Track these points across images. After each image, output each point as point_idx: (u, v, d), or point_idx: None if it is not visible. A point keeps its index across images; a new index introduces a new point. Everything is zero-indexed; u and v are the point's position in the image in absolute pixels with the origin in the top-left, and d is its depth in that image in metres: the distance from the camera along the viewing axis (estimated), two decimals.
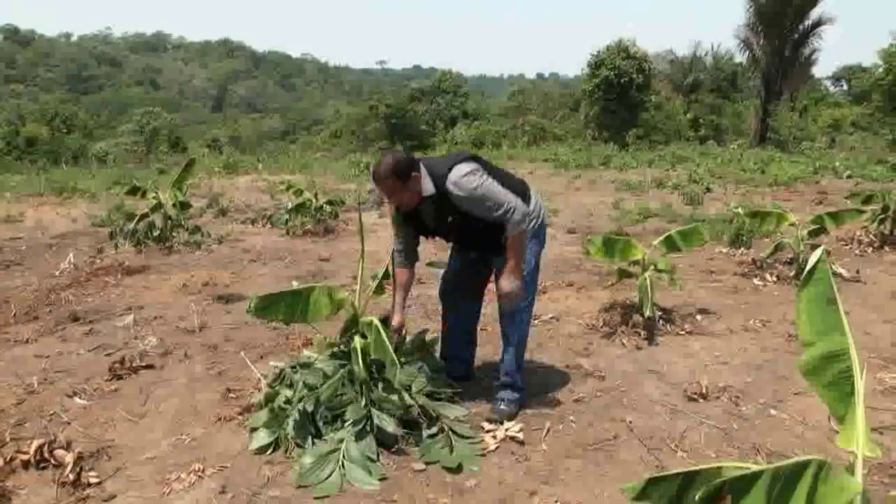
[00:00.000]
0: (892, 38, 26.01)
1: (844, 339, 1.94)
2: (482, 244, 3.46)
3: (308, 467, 2.95)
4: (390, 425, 3.11)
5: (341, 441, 3.06)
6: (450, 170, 3.19)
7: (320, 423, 3.21)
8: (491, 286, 3.62)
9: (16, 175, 18.27)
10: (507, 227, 3.19)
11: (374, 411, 3.15)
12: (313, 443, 3.13)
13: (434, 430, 3.26)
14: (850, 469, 1.81)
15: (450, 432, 3.23)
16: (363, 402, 3.17)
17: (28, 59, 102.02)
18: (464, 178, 3.15)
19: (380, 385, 3.25)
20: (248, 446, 3.22)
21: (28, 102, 56.08)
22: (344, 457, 2.99)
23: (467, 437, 3.25)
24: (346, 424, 3.14)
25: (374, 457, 3.04)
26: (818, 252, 2.01)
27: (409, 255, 3.56)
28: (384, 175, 3.17)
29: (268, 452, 3.17)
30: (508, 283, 3.29)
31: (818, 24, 29.52)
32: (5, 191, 13.71)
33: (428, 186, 3.23)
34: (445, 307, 3.87)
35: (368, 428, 3.12)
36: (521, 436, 3.30)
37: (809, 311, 1.99)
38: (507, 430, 3.33)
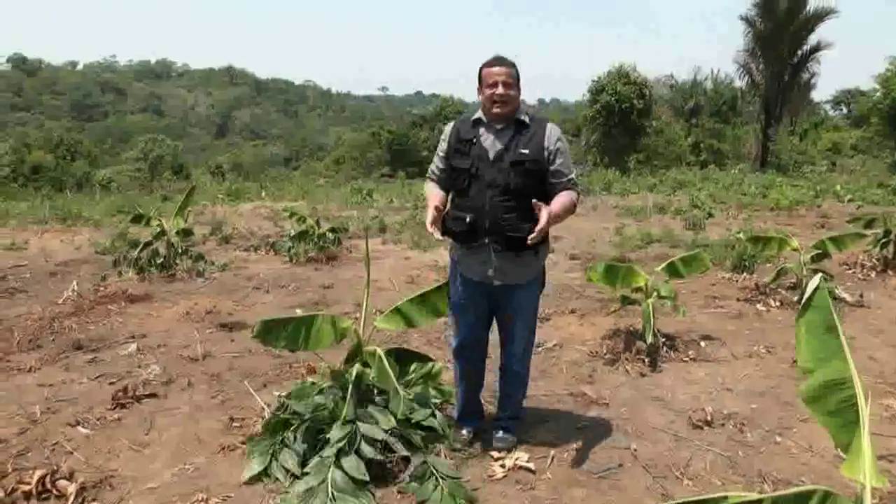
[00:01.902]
0: (888, 63, 26.20)
1: (846, 366, 1.93)
2: (516, 218, 3.08)
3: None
4: (377, 433, 3.09)
5: (328, 468, 3.00)
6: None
7: (304, 447, 3.18)
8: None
9: (21, 202, 18.35)
10: (572, 192, 3.14)
11: (360, 424, 3.12)
12: (301, 472, 3.09)
13: (419, 461, 3.16)
14: (858, 499, 1.81)
15: (437, 474, 3.09)
16: (350, 417, 3.15)
17: (34, 88, 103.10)
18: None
19: (369, 406, 3.24)
20: (241, 476, 3.20)
21: (34, 130, 56.51)
22: (332, 486, 2.93)
23: (455, 478, 3.12)
24: (332, 439, 3.09)
25: (365, 478, 2.97)
26: (816, 279, 2.01)
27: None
28: (513, 63, 3.20)
29: (262, 482, 3.14)
30: (548, 217, 2.89)
31: (816, 48, 29.80)
32: (10, 218, 13.77)
33: (524, 115, 3.22)
34: (464, 359, 3.55)
35: (354, 444, 3.07)
36: (531, 465, 3.28)
37: (809, 338, 1.98)
38: (515, 459, 3.32)
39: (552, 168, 3.14)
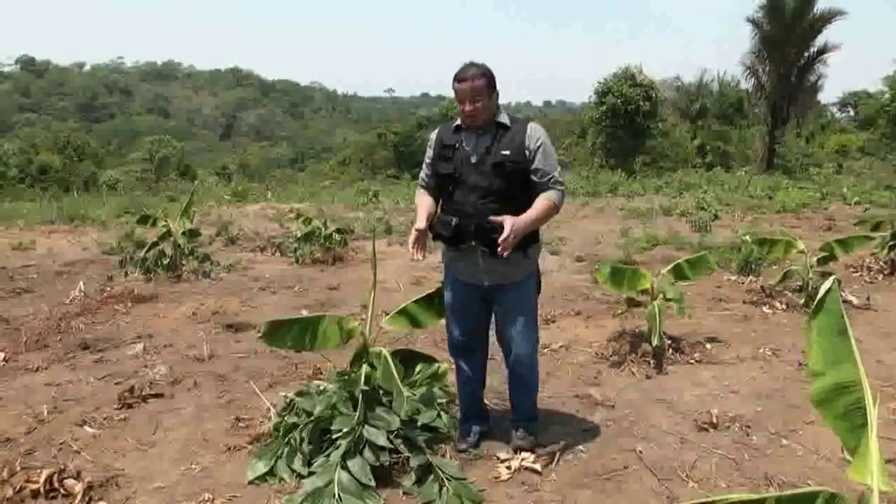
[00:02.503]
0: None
1: (856, 369, 1.93)
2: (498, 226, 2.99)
3: None
4: (381, 438, 3.08)
5: (334, 469, 3.00)
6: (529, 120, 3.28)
7: (310, 448, 3.19)
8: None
9: (28, 203, 18.46)
10: (552, 192, 3.15)
11: (366, 427, 3.13)
12: (307, 472, 3.10)
13: (425, 462, 3.15)
14: (865, 501, 1.80)
15: (442, 475, 3.10)
16: (356, 419, 3.15)
17: (42, 89, 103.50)
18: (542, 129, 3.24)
19: (376, 408, 3.24)
20: (246, 476, 3.21)
21: (41, 130, 56.79)
22: (338, 487, 2.93)
23: (460, 479, 3.13)
24: (337, 439, 3.09)
25: (370, 481, 2.97)
26: (828, 282, 2.01)
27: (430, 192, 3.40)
28: (480, 73, 3.11)
29: (268, 483, 3.15)
30: (512, 227, 2.95)
31: (823, 50, 29.67)
32: (17, 219, 13.84)
33: (503, 117, 3.21)
34: (461, 359, 3.54)
35: (360, 446, 3.07)
36: (537, 466, 3.27)
37: (820, 341, 1.98)
38: (522, 460, 3.31)
39: (533, 167, 3.14)
